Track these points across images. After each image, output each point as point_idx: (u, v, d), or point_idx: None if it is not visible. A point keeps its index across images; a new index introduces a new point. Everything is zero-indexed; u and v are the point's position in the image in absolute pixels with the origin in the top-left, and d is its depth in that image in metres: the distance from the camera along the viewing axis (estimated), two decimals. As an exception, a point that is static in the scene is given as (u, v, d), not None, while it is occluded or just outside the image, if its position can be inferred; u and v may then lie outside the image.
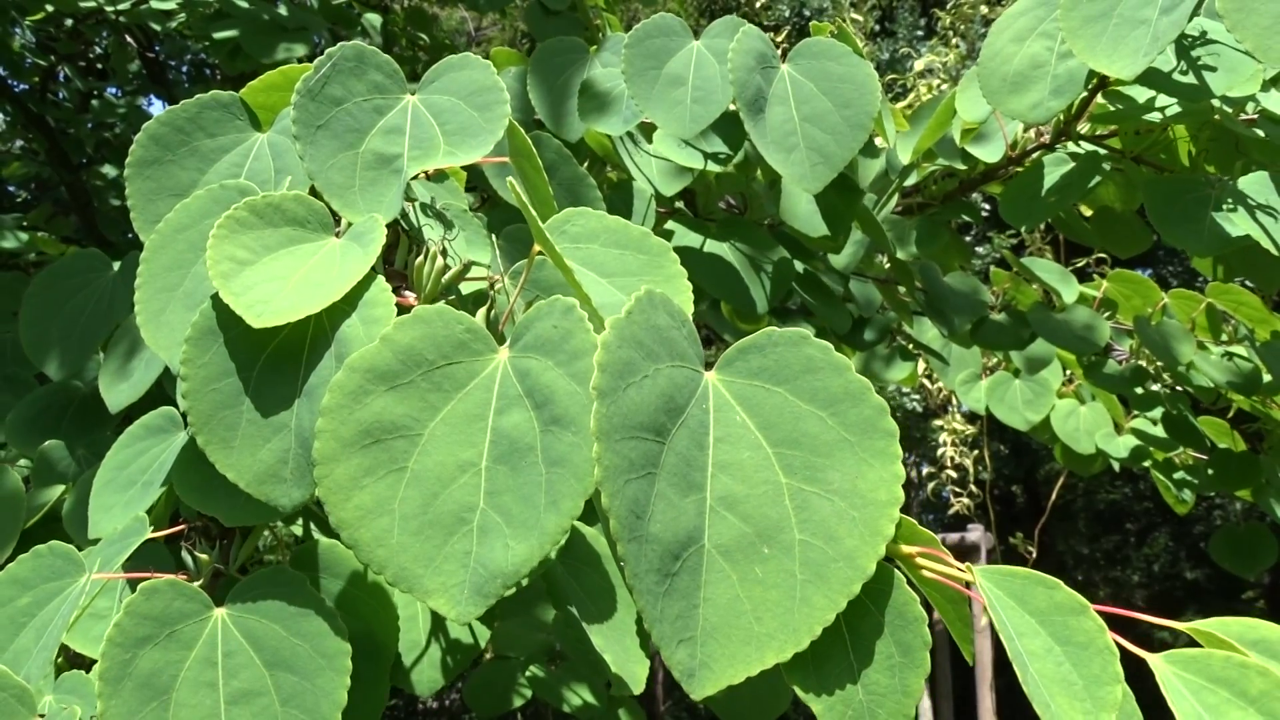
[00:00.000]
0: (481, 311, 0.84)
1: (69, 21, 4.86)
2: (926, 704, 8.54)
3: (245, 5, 3.20)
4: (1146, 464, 2.72)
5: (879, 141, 1.57)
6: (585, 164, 1.67)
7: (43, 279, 1.62)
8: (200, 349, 0.83)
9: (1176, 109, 1.25)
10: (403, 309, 0.80)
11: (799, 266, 1.58)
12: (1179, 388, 2.26)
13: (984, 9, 4.39)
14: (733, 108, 1.34)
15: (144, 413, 1.20)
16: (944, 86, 4.22)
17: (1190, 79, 1.14)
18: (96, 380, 1.69)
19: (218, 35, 3.08)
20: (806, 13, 9.47)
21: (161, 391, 1.37)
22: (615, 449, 0.57)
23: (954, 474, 4.61)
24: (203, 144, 1.10)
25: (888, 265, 2.36)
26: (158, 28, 4.11)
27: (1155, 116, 1.25)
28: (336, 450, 0.65)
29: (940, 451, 4.57)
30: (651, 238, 0.86)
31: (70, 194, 5.34)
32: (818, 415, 0.63)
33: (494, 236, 1.10)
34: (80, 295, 1.60)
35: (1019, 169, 1.67)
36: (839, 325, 1.71)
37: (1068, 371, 2.73)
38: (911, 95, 4.34)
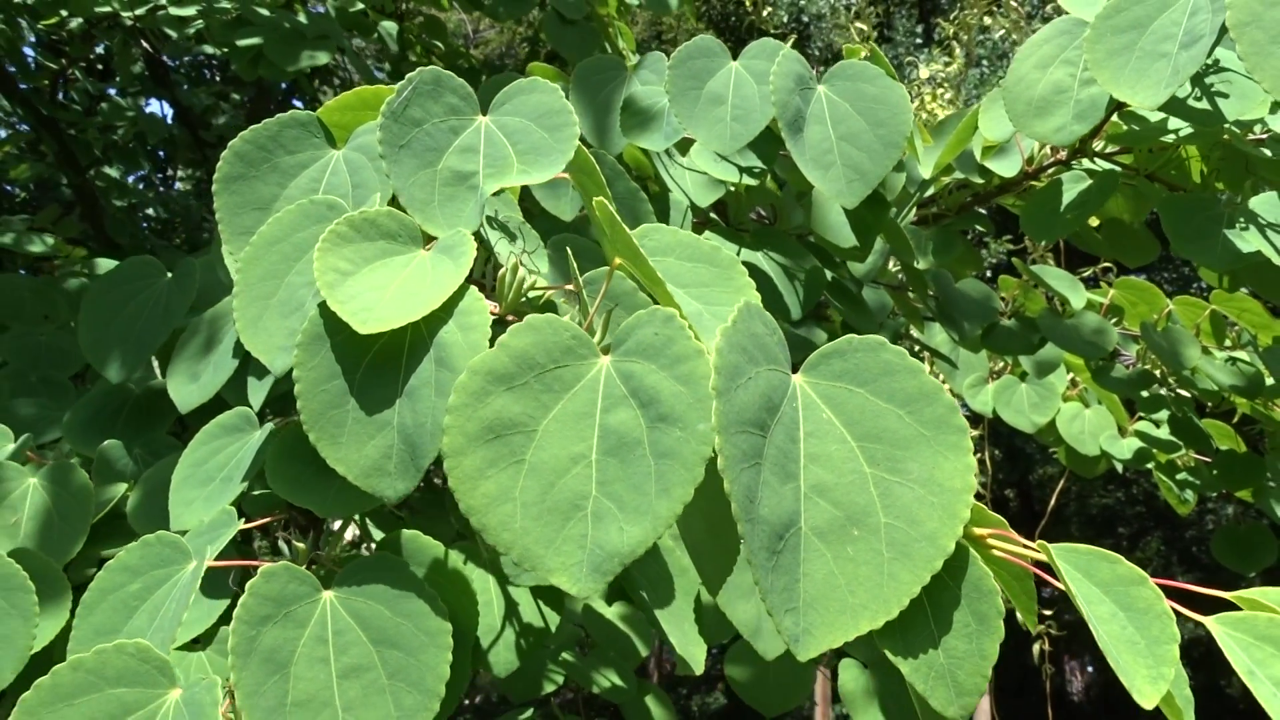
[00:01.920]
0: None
1: (74, 22, 4.91)
2: (923, 706, 8.63)
3: (266, 13, 3.27)
4: (1150, 465, 2.81)
5: (921, 147, 1.65)
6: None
7: (99, 285, 1.69)
8: (310, 353, 0.90)
9: (1189, 130, 1.33)
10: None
11: (828, 273, 1.67)
12: (1184, 391, 2.35)
13: (986, 19, 4.48)
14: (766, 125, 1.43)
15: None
16: (948, 95, 4.31)
17: (1204, 104, 1.22)
18: (149, 382, 1.77)
19: (241, 43, 3.15)
20: (804, 18, 9.58)
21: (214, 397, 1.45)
22: (732, 441, 0.65)
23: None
24: (283, 160, 1.18)
25: (899, 272, 2.45)
26: (173, 33, 4.17)
27: (1169, 137, 1.34)
28: (463, 444, 0.73)
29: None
30: (721, 251, 0.94)
31: (78, 195, 5.40)
32: (896, 413, 0.71)
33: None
34: (136, 301, 1.67)
35: (1034, 183, 1.76)
36: (867, 331, 1.79)
37: (1070, 375, 2.82)
38: (916, 103, 4.43)
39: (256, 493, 1.22)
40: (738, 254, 1.57)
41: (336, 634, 0.88)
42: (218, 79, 8.09)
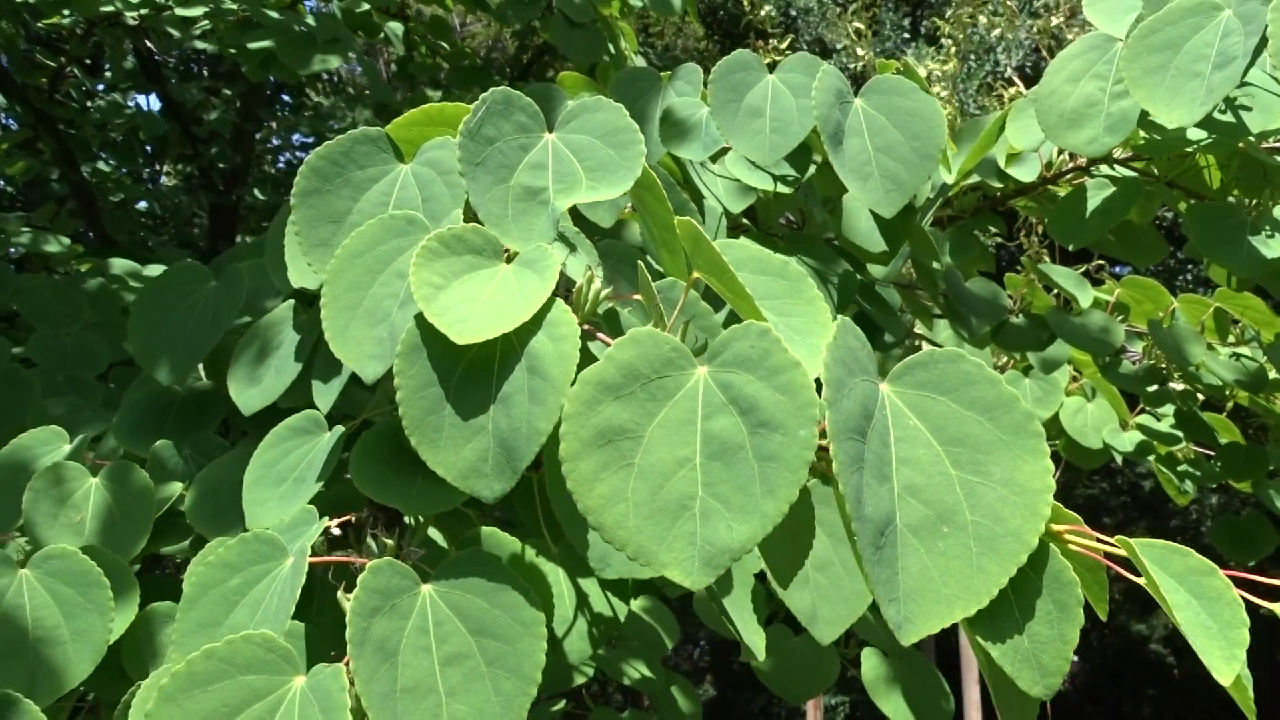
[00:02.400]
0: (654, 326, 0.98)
1: (67, 19, 4.92)
2: (914, 695, 8.74)
3: (275, 15, 3.31)
4: (1151, 458, 2.91)
5: (953, 155, 1.72)
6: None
7: (148, 290, 1.74)
8: (409, 362, 0.96)
9: (1208, 140, 1.41)
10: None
11: (858, 277, 1.74)
12: (1187, 386, 2.44)
13: (982, 20, 4.56)
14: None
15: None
16: (943, 93, 4.39)
17: (1229, 118, 1.30)
18: (195, 384, 1.82)
19: (252, 46, 3.19)
20: (793, 13, 9.65)
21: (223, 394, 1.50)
22: (843, 447, 0.72)
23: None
24: (354, 175, 1.24)
25: (909, 271, 2.52)
26: (176, 34, 4.20)
27: (1190, 147, 1.41)
28: (579, 449, 0.80)
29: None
30: (791, 265, 1.01)
31: (75, 192, 5.41)
32: (977, 419, 0.78)
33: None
34: (184, 305, 1.72)
35: (1052, 187, 1.83)
36: (896, 332, 1.87)
37: (1071, 369, 2.90)
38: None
39: (329, 492, 1.28)
40: (773, 259, 1.64)
41: (437, 624, 0.94)
42: (206, 74, 8.09)
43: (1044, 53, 6.48)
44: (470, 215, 1.15)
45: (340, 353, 1.07)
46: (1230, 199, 1.54)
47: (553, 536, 1.16)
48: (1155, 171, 1.59)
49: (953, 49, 4.27)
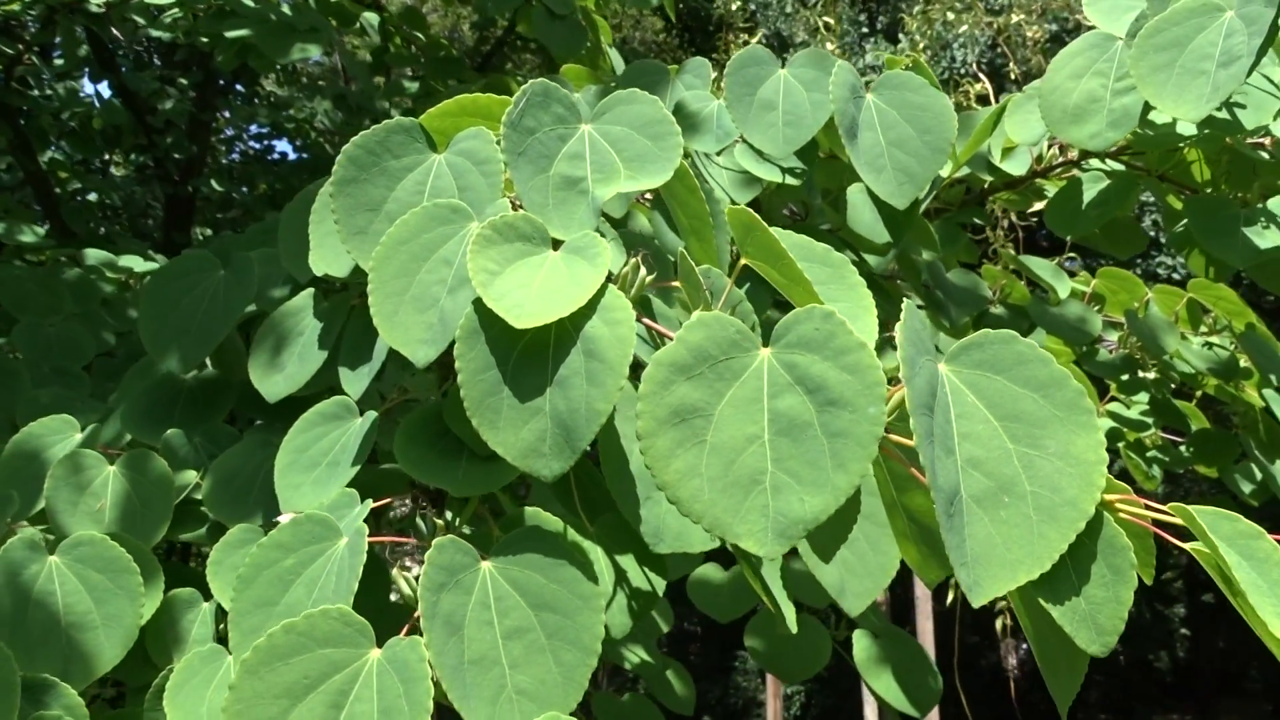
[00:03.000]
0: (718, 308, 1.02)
1: (30, 5, 4.83)
2: (874, 683, 8.89)
3: (253, 4, 3.29)
4: (1120, 444, 3.00)
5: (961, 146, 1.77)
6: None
7: (156, 280, 1.75)
8: (468, 346, 1.00)
9: (1200, 135, 1.48)
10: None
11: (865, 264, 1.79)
12: (1161, 374, 2.53)
13: (949, 15, 4.65)
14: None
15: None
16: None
17: (1225, 115, 1.37)
18: (201, 373, 1.82)
19: (230, 34, 3.16)
20: (752, 6, 9.72)
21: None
22: (920, 422, 0.77)
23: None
24: (390, 164, 1.26)
25: (892, 263, 2.59)
26: (142, 21, 4.15)
27: (1183, 142, 1.48)
28: (654, 427, 0.84)
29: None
30: (832, 253, 1.06)
31: (32, 182, 5.31)
32: (1031, 396, 0.83)
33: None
34: (193, 294, 1.72)
35: (1041, 181, 1.90)
36: (895, 318, 1.92)
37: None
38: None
39: (361, 476, 1.30)
40: (781, 249, 1.69)
41: (498, 600, 0.97)
42: (159, 62, 7.96)
43: (1003, 47, 6.61)
44: (513, 204, 1.18)
45: (390, 338, 1.10)
46: (1218, 192, 1.62)
47: (589, 514, 1.19)
48: (1143, 165, 1.67)
49: (921, 44, 4.36)
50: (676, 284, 1.15)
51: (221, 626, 1.43)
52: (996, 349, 0.85)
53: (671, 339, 0.89)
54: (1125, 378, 2.55)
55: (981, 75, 3.48)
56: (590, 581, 0.99)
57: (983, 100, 4.54)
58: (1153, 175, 1.66)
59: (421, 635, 0.91)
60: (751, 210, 0.96)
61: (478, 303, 1.01)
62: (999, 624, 5.49)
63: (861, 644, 2.10)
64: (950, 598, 5.45)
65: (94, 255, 3.13)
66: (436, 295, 1.11)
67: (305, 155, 8.76)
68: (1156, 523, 0.83)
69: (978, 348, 0.86)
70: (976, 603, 0.77)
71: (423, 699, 0.86)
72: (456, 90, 3.87)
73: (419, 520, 1.13)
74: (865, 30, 9.03)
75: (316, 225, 1.40)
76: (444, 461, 1.15)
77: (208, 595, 1.47)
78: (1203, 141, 1.47)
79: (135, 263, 3.28)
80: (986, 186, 2.08)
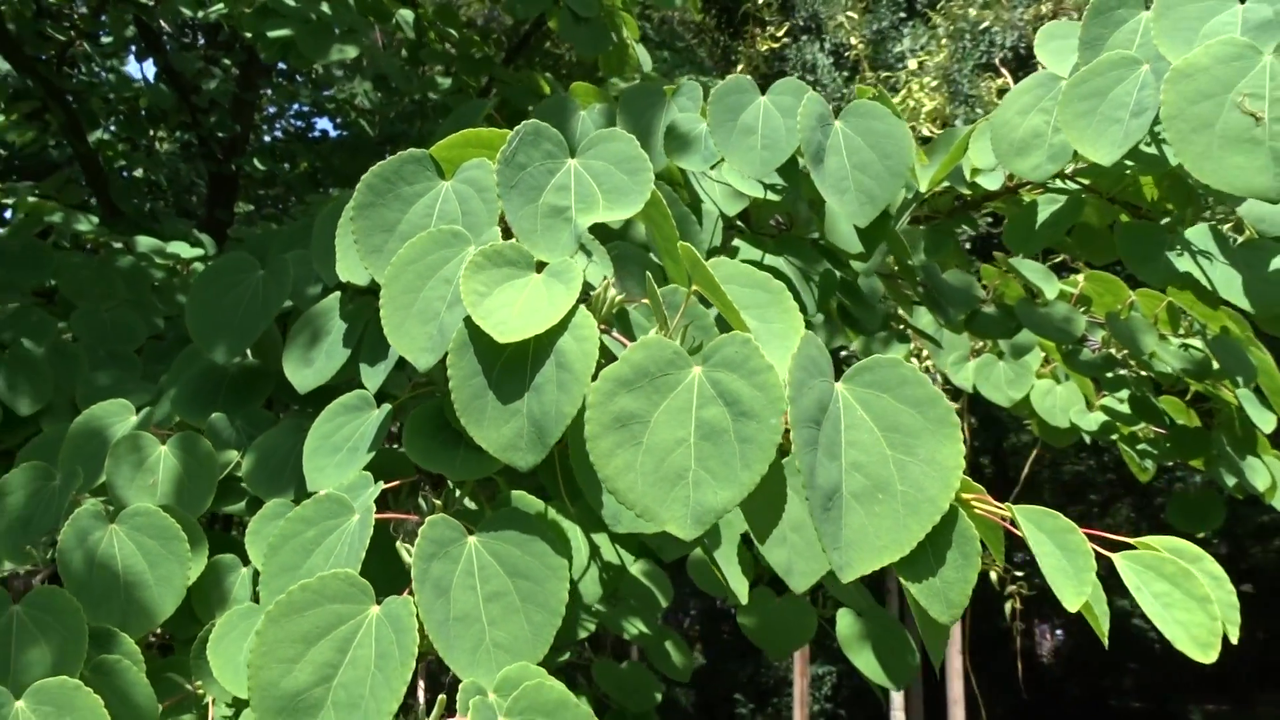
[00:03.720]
0: (654, 329, 1.22)
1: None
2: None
3: (294, 4, 3.51)
4: (1114, 437, 3.16)
5: (921, 173, 1.95)
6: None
7: (202, 277, 1.98)
8: (459, 355, 1.21)
9: (1137, 167, 1.64)
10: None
11: (837, 275, 1.98)
12: (1143, 373, 2.69)
13: (971, 11, 4.76)
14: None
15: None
16: (934, 83, 4.61)
17: (1154, 150, 1.53)
18: (243, 362, 2.05)
19: (271, 34, 3.39)
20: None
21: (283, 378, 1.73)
22: (800, 433, 0.96)
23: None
24: (404, 190, 1.47)
25: (893, 263, 2.76)
26: (189, 13, 4.39)
27: (1127, 170, 1.65)
28: (599, 431, 1.04)
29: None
30: (772, 280, 1.25)
31: (82, 163, 5.60)
32: (909, 412, 1.02)
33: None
34: (235, 291, 1.95)
35: (1015, 194, 2.07)
36: (870, 324, 2.11)
37: (1044, 354, 3.15)
38: (904, 91, 4.74)
39: (377, 460, 1.52)
40: (762, 259, 1.88)
41: (480, 568, 1.19)
42: (203, 42, 8.23)
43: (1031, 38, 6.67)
44: (504, 230, 1.38)
45: (397, 345, 1.31)
46: (1168, 211, 1.78)
47: (571, 499, 1.40)
48: (1094, 187, 1.83)
49: (944, 39, 4.48)
50: (646, 300, 1.35)
51: (258, 588, 1.66)
52: (885, 371, 1.04)
53: (631, 353, 1.09)
54: (1109, 375, 2.72)
55: (1005, 72, 3.62)
56: (559, 555, 1.20)
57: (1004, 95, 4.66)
58: (1104, 197, 1.82)
59: (414, 596, 1.13)
60: (693, 250, 1.15)
61: (468, 319, 1.21)
62: (1008, 607, 5.65)
63: (844, 621, 2.30)
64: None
65: (145, 243, 3.38)
66: (437, 309, 1.32)
67: (345, 133, 9.03)
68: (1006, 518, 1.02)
69: (869, 370, 1.05)
70: (846, 579, 0.97)
71: (410, 646, 1.08)
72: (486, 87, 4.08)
73: (420, 500, 1.35)
74: (904, 15, 9.09)
75: (341, 238, 1.61)
76: (444, 451, 1.36)
77: (246, 561, 1.70)
78: (1142, 170, 1.63)
79: (182, 249, 3.53)
80: (970, 198, 2.25)
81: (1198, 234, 1.61)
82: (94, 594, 1.47)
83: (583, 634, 2.32)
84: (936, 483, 0.99)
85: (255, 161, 7.71)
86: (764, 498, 1.14)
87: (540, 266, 1.31)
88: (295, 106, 8.90)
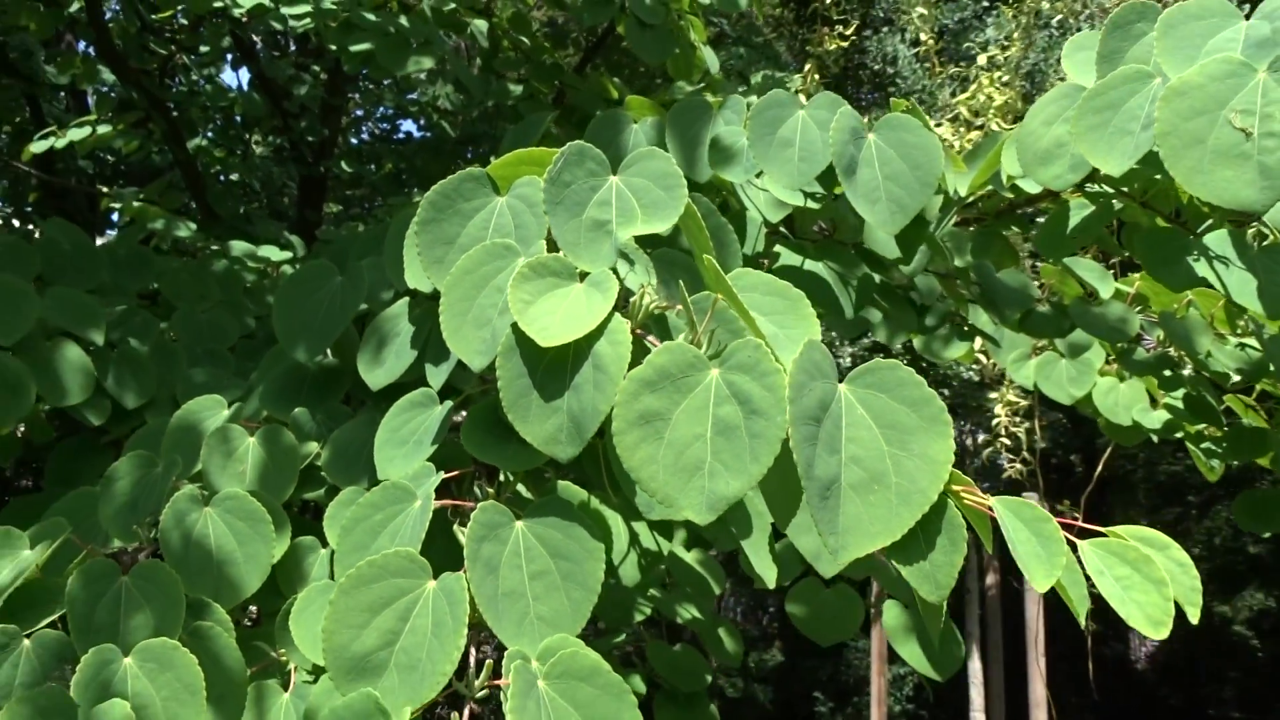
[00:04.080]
0: (682, 338, 1.35)
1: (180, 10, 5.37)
2: (976, 666, 9.02)
3: (373, 18, 3.72)
4: (1179, 435, 3.18)
5: (951, 180, 2.04)
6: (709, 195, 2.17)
7: (287, 283, 2.16)
8: (507, 359, 1.35)
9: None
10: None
11: (876, 278, 2.08)
12: (1201, 372, 2.72)
13: (1044, 4, 4.75)
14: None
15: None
16: (1004, 78, 4.62)
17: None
18: (322, 361, 2.23)
19: (353, 48, 3.59)
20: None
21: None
22: (798, 430, 1.08)
23: (1008, 441, 5.08)
24: (462, 206, 1.62)
25: (947, 264, 2.84)
26: (280, 27, 4.63)
27: (1158, 175, 1.71)
28: (625, 427, 1.18)
29: (995, 421, 5.03)
30: (791, 289, 1.37)
31: (182, 169, 5.92)
32: (905, 411, 1.13)
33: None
34: (316, 297, 2.13)
35: (1057, 197, 2.14)
36: (907, 324, 2.20)
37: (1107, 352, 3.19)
38: (974, 86, 4.76)
39: (439, 452, 1.67)
40: (802, 264, 1.99)
41: (526, 549, 1.33)
42: (294, 48, 8.58)
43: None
44: (551, 242, 1.52)
45: (454, 348, 1.46)
46: (1201, 213, 1.84)
47: (613, 489, 1.54)
48: (1129, 191, 1.89)
49: (1015, 34, 4.49)
50: (679, 306, 1.48)
51: (334, 566, 1.84)
52: (884, 374, 1.16)
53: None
54: (1168, 373, 2.75)
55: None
56: (596, 540, 1.33)
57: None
58: (1136, 201, 1.89)
59: (466, 574, 1.27)
60: (714, 263, 1.28)
61: (514, 325, 1.36)
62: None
63: (891, 613, 2.39)
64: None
65: (238, 247, 3.62)
66: (490, 316, 1.46)
67: (428, 135, 9.29)
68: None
69: (871, 372, 1.16)
70: (841, 561, 1.09)
71: (462, 617, 1.23)
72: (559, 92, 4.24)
73: (475, 489, 1.50)
74: (986, 3, 9.01)
75: (408, 249, 1.77)
76: (497, 444, 1.51)
77: (325, 543, 1.88)
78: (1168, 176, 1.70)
79: (272, 252, 3.77)
80: (1015, 201, 2.32)
81: (1216, 239, 1.67)
82: (190, 569, 1.65)
83: (639, 618, 2.47)
84: (928, 475, 1.10)
85: (343, 164, 8.01)
86: (783, 487, 1.26)
87: (584, 276, 1.45)
88: (381, 110, 9.21)
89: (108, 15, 5.59)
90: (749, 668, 13.62)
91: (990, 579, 9.67)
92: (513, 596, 1.30)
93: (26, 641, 1.44)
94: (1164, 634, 1.06)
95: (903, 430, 1.13)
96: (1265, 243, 1.65)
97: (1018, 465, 5.26)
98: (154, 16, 5.29)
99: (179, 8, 4.76)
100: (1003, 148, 1.97)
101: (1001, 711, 9.36)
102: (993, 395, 5.15)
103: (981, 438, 5.09)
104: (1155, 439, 3.36)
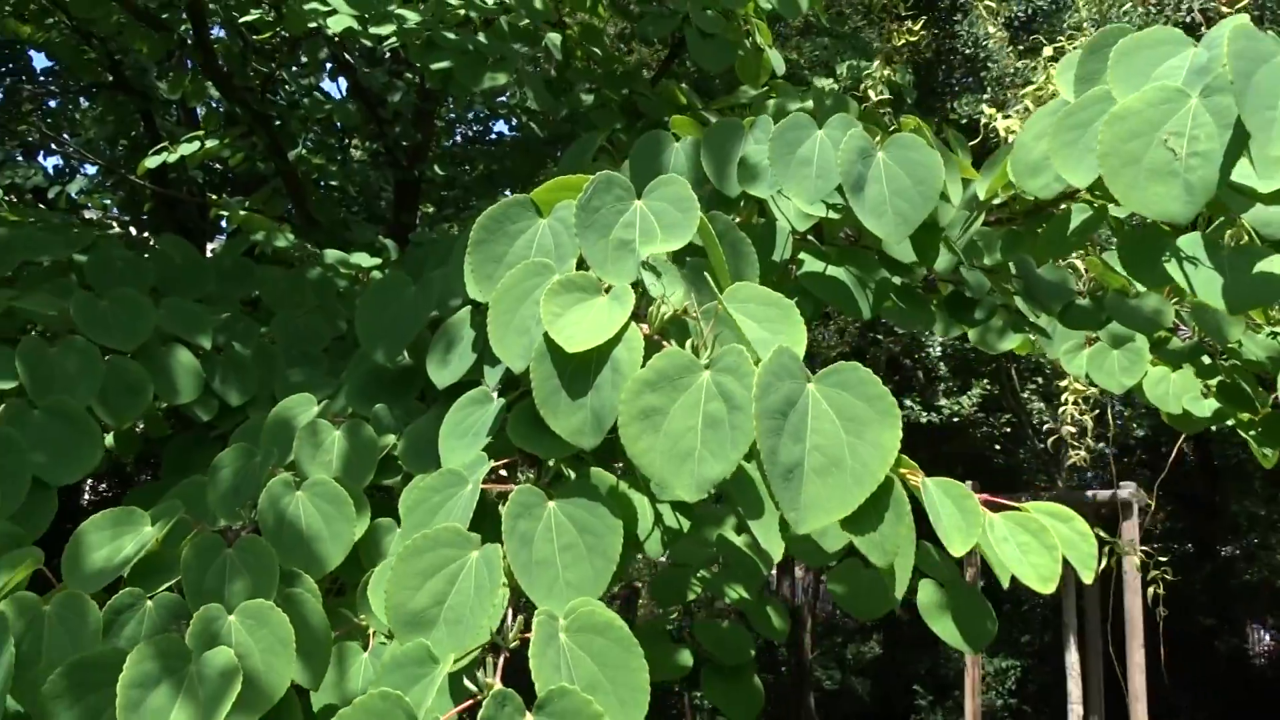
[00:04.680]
0: (690, 342, 1.59)
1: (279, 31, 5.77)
2: (1074, 658, 9.00)
3: (453, 36, 4.01)
4: (1231, 422, 3.28)
5: (954, 191, 2.22)
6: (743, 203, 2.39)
7: (368, 293, 2.46)
8: (540, 363, 1.61)
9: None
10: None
11: (896, 280, 2.28)
12: (1235, 361, 2.84)
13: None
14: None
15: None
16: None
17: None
18: (400, 362, 2.52)
19: (434, 66, 3.90)
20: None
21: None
22: (764, 423, 1.31)
23: (1073, 429, 5.16)
24: (509, 228, 1.88)
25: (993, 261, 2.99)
26: (369, 44, 4.98)
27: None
28: (629, 420, 1.42)
29: (1062, 409, 5.12)
30: (783, 299, 1.59)
31: (285, 179, 6.35)
32: (863, 405, 1.35)
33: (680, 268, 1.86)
34: (393, 304, 2.42)
35: (1073, 199, 2.31)
36: (924, 323, 2.39)
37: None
38: (1042, 78, 4.85)
39: (494, 443, 1.94)
40: (825, 269, 2.20)
41: (557, 525, 1.58)
42: (388, 57, 9.02)
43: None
44: (583, 259, 1.77)
45: (499, 354, 1.73)
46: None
47: (635, 474, 1.78)
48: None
49: (1085, 24, 4.56)
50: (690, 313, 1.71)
51: (401, 541, 2.11)
52: (847, 374, 1.38)
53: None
54: (1206, 361, 2.87)
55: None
56: (615, 517, 1.58)
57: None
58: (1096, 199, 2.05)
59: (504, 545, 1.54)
60: (717, 278, 1.51)
61: (546, 335, 1.61)
62: (1149, 592, 5.64)
63: (926, 591, 2.58)
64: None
65: (331, 255, 3.97)
66: (529, 325, 1.72)
67: (518, 135, 9.64)
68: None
69: (835, 373, 1.39)
70: (800, 530, 1.31)
71: (498, 580, 1.49)
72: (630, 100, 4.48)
73: (520, 474, 1.76)
74: (1076, -16, 8.95)
75: (465, 265, 2.04)
76: (537, 435, 1.76)
77: (400, 522, 2.16)
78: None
79: (363, 259, 4.11)
80: (1039, 201, 2.48)
81: (1189, 241, 1.82)
82: (283, 544, 1.95)
83: (691, 596, 2.71)
84: (878, 459, 1.32)
85: (435, 167, 8.41)
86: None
87: (610, 289, 1.70)
88: (473, 113, 9.59)
89: (213, 36, 6.03)
90: (847, 660, 13.72)
91: (1087, 570, 9.60)
92: (544, 565, 1.55)
93: (149, 602, 1.76)
94: (1050, 589, 1.26)
95: (860, 422, 1.35)
96: (1240, 243, 1.80)
97: (1081, 452, 5.34)
98: (255, 38, 5.71)
99: (278, 29, 5.14)
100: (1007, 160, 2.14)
101: (1101, 705, 9.32)
102: (1062, 383, 5.23)
103: (1065, 429, 5.17)
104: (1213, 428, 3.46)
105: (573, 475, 1.96)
